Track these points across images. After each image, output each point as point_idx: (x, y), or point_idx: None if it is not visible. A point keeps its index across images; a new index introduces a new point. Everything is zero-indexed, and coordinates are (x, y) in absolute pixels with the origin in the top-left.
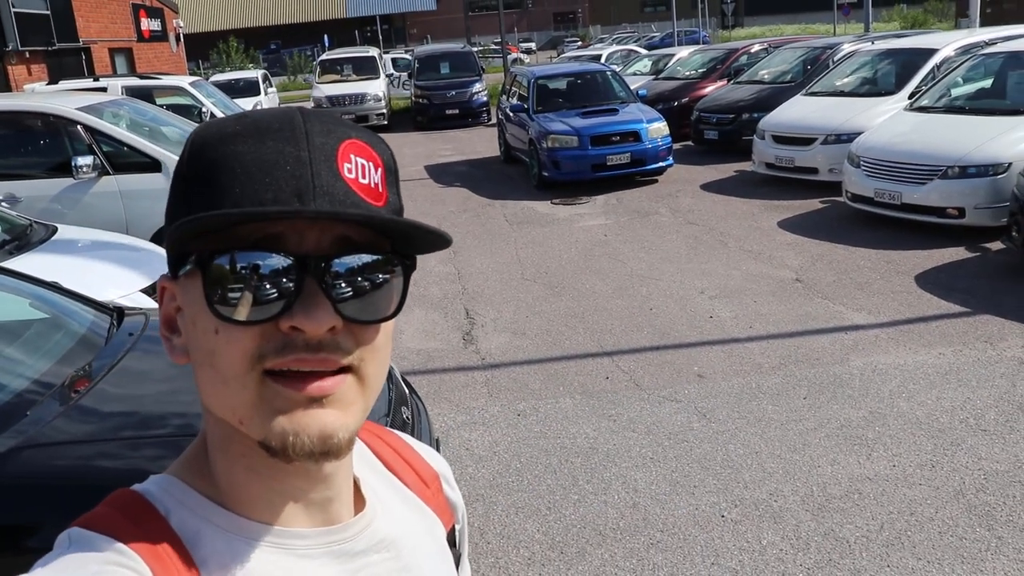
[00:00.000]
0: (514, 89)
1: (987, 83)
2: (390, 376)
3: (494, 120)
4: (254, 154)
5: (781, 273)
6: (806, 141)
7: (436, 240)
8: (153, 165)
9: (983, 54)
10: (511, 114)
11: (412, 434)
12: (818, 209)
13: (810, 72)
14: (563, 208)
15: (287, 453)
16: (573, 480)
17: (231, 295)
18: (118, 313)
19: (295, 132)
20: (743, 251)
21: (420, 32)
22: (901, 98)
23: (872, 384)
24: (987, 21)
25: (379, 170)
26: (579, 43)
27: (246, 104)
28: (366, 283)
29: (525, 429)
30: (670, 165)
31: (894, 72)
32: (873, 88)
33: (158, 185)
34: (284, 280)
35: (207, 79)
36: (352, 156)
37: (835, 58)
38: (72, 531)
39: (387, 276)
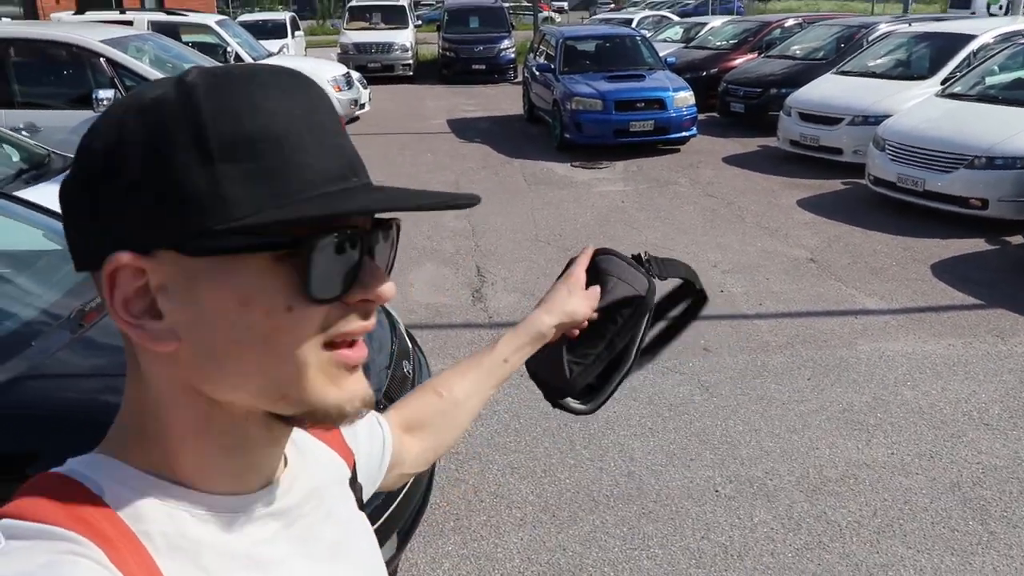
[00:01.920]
0: (542, 48)
1: None
2: (394, 329)
3: (520, 78)
4: (303, 115)
5: (796, 252)
6: (833, 120)
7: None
8: None
9: (1023, 43)
10: (537, 73)
11: (412, 388)
12: (839, 190)
13: (843, 50)
14: (582, 171)
15: (331, 420)
16: (571, 444)
17: (320, 275)
18: None
19: (320, 102)
20: (760, 227)
21: None
22: (934, 83)
23: (878, 370)
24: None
25: None
26: (612, 5)
27: (272, 46)
28: (389, 249)
29: (526, 390)
30: (693, 135)
31: (929, 56)
32: (906, 71)
33: None
34: (351, 255)
35: (235, 19)
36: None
37: (870, 38)
38: (2, 523)
39: (396, 239)
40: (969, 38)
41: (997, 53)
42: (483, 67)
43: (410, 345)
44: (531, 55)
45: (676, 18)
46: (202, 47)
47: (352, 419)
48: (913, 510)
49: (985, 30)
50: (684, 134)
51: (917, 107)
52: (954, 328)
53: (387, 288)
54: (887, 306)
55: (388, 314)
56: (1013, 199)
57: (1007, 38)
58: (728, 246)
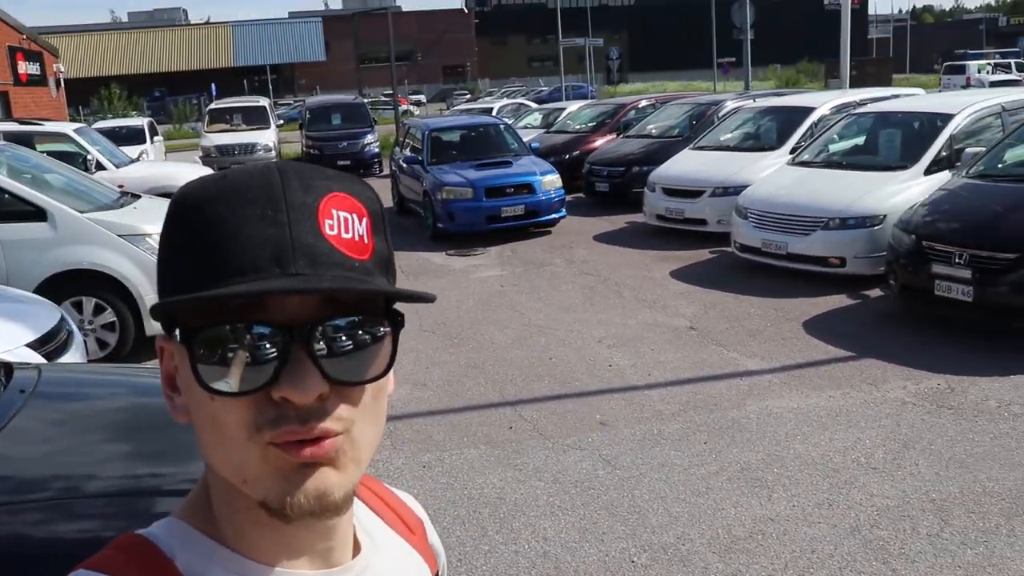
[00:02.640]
0: (408, 141)
1: (860, 140)
2: None
3: (387, 171)
4: (232, 220)
5: (676, 322)
6: (695, 194)
7: (417, 298)
8: (37, 214)
9: (855, 113)
10: (405, 165)
11: None
12: (708, 259)
13: (696, 127)
14: (459, 259)
15: (285, 513)
16: (482, 531)
17: (217, 367)
18: (6, 368)
19: (272, 193)
20: (638, 300)
21: (309, 83)
22: (783, 153)
23: (768, 427)
24: (851, 83)
25: (364, 220)
26: (468, 96)
27: (132, 152)
28: (354, 345)
29: (431, 480)
30: (563, 216)
31: (775, 128)
32: (756, 143)
33: (42, 234)
34: (270, 349)
35: (90, 126)
36: (334, 211)
37: (720, 114)
38: (79, 573)
39: (375, 335)
40: (809, 110)
41: (835, 123)
42: (348, 163)
43: None
44: (397, 148)
45: (534, 105)
46: (61, 156)
47: (301, 513)
48: (820, 558)
49: (822, 102)
50: (554, 216)
51: (771, 176)
52: (831, 380)
53: (295, 391)
54: (768, 365)
55: None
56: (867, 255)
57: (840, 109)
58: (610, 321)
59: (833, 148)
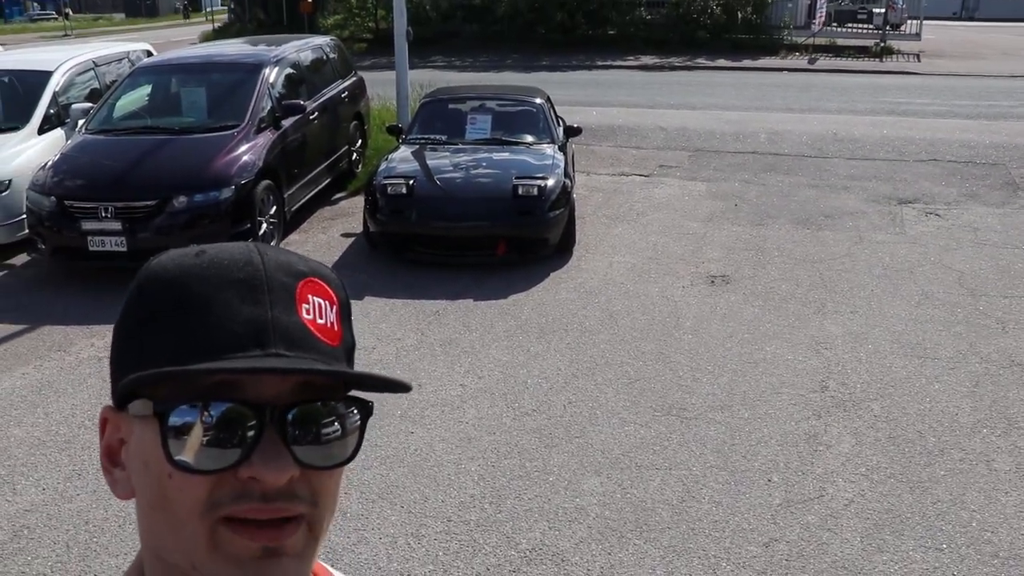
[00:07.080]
0: None
1: None
2: None
3: None
4: (212, 296)
5: None
6: None
7: (394, 386)
8: None
9: None
10: None
11: None
12: None
13: None
14: None
15: None
16: None
17: (188, 443)
18: None
19: (255, 272)
20: None
21: None
22: None
23: None
24: None
25: (334, 308)
26: None
27: None
28: (325, 430)
29: None
30: None
31: None
32: None
33: None
34: (242, 429)
35: None
36: (310, 296)
37: None
38: None
39: (345, 421)
40: None
41: None
42: None
43: None
44: None
45: None
46: None
47: None
48: (96, 538)
49: None
50: None
51: None
52: (18, 358)
53: (268, 472)
54: None
55: None
56: (2, 223)
57: None
58: None
59: None
